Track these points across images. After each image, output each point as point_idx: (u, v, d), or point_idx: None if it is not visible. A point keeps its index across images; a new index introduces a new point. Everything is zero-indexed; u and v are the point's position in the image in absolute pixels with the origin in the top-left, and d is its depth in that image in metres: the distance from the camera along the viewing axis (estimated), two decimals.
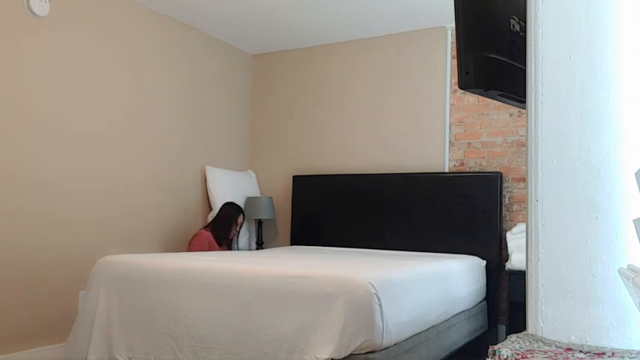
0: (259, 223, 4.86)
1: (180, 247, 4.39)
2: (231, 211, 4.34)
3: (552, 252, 1.67)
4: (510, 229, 3.97)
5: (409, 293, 2.63)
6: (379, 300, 2.28)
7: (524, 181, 4.08)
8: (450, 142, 4.40)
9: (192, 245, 4.11)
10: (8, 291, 3.24)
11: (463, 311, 3.38)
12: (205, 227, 4.26)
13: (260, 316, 2.47)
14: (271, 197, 4.87)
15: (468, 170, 4.31)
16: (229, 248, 4.39)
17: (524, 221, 3.96)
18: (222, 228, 4.26)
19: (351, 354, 2.27)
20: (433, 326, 2.87)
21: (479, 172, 4.19)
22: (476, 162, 4.30)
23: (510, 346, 1.46)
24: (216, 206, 4.58)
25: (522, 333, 1.64)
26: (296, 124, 5.05)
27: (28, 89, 3.37)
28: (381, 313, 2.28)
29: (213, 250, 4.12)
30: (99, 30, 3.82)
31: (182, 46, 4.52)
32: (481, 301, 3.80)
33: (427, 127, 4.48)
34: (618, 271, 1.53)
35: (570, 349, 1.49)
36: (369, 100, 4.73)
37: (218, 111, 4.88)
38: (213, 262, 2.89)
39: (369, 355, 2.27)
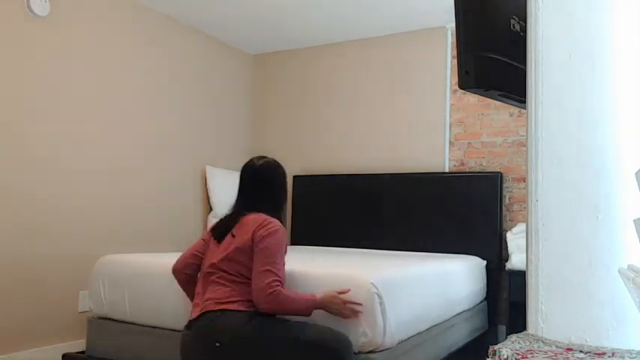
0: None
1: (180, 247, 4.38)
2: (283, 172, 2.51)
3: (552, 252, 1.67)
4: (510, 229, 3.97)
5: (410, 293, 2.63)
6: (380, 299, 2.28)
7: (524, 181, 4.08)
8: (450, 142, 4.40)
9: (279, 243, 2.25)
10: (8, 291, 3.24)
11: (463, 311, 3.38)
12: (270, 214, 2.33)
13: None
14: None
15: (468, 170, 4.31)
16: None
17: (524, 221, 3.96)
18: (284, 206, 2.50)
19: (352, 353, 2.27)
20: (434, 326, 2.87)
21: (479, 172, 4.19)
22: (476, 162, 4.30)
23: (510, 346, 1.46)
24: (217, 206, 4.56)
25: (522, 333, 1.64)
26: (296, 124, 5.05)
27: (27, 89, 3.37)
28: (382, 312, 2.27)
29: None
30: (99, 30, 3.82)
31: (182, 47, 4.51)
32: (481, 301, 3.80)
33: (427, 127, 4.48)
34: (618, 271, 1.53)
35: (570, 349, 1.49)
36: (369, 100, 4.73)
37: (218, 111, 4.88)
38: None
39: (370, 355, 2.27)
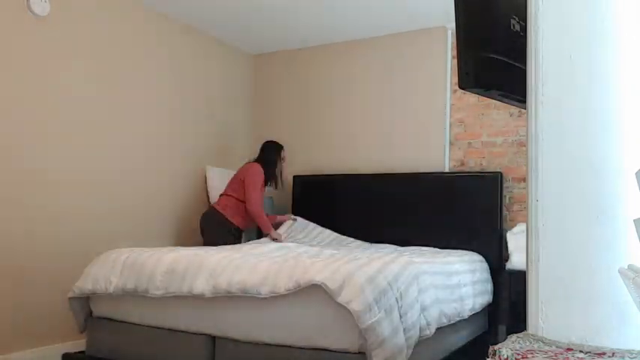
0: None
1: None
2: (273, 148, 4.36)
3: (552, 252, 1.67)
4: (511, 229, 3.96)
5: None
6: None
7: (524, 181, 4.08)
8: (450, 142, 4.40)
9: (250, 174, 4.10)
10: (8, 291, 3.24)
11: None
12: (255, 161, 4.27)
13: (262, 315, 2.47)
14: (271, 197, 4.87)
15: (468, 170, 4.31)
16: (276, 184, 4.38)
17: (524, 221, 3.95)
18: (269, 167, 4.27)
19: (352, 353, 2.28)
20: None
21: (479, 172, 4.19)
22: (476, 162, 4.30)
23: (510, 346, 1.46)
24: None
25: (522, 333, 1.63)
26: (296, 124, 5.05)
27: (28, 89, 3.37)
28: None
29: (262, 188, 4.18)
30: (99, 30, 3.81)
31: (183, 46, 4.51)
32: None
33: (427, 127, 4.48)
34: (618, 271, 1.53)
35: (570, 349, 1.49)
36: (369, 100, 4.73)
37: (218, 111, 4.87)
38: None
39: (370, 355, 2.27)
